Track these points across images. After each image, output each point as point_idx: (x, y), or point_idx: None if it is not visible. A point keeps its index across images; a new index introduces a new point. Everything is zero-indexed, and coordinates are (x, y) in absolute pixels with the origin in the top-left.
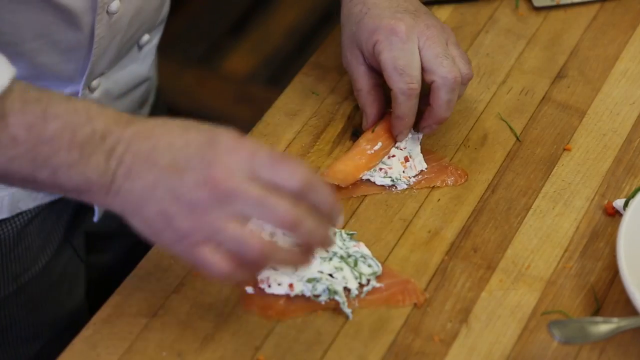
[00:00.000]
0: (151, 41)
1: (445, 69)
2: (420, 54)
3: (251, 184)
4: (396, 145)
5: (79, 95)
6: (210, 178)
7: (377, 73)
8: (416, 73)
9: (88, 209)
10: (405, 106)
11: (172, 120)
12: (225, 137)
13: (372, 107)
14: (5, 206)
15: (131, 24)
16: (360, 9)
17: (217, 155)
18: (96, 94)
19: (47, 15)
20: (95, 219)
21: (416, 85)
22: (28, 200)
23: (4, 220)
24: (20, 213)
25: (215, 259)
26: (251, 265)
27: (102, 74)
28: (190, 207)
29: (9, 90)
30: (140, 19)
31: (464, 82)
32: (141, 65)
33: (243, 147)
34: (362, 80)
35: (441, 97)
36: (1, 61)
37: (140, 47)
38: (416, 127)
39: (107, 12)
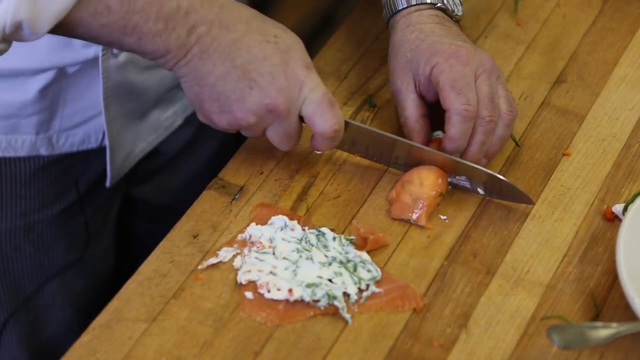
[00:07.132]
0: None
1: (487, 109)
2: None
3: (295, 117)
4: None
5: (100, 57)
6: (271, 106)
7: (426, 103)
8: (473, 96)
9: (102, 176)
10: (459, 128)
11: (252, 17)
12: (297, 67)
13: (418, 137)
14: (26, 147)
15: None
16: (417, 36)
17: (287, 84)
18: (121, 57)
19: None
20: (108, 184)
21: (472, 108)
22: (48, 147)
23: (21, 158)
24: (38, 156)
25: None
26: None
27: None
28: (238, 121)
29: None
30: None
31: (506, 122)
32: None
33: (307, 80)
34: (411, 109)
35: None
36: None
37: None
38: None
39: None
